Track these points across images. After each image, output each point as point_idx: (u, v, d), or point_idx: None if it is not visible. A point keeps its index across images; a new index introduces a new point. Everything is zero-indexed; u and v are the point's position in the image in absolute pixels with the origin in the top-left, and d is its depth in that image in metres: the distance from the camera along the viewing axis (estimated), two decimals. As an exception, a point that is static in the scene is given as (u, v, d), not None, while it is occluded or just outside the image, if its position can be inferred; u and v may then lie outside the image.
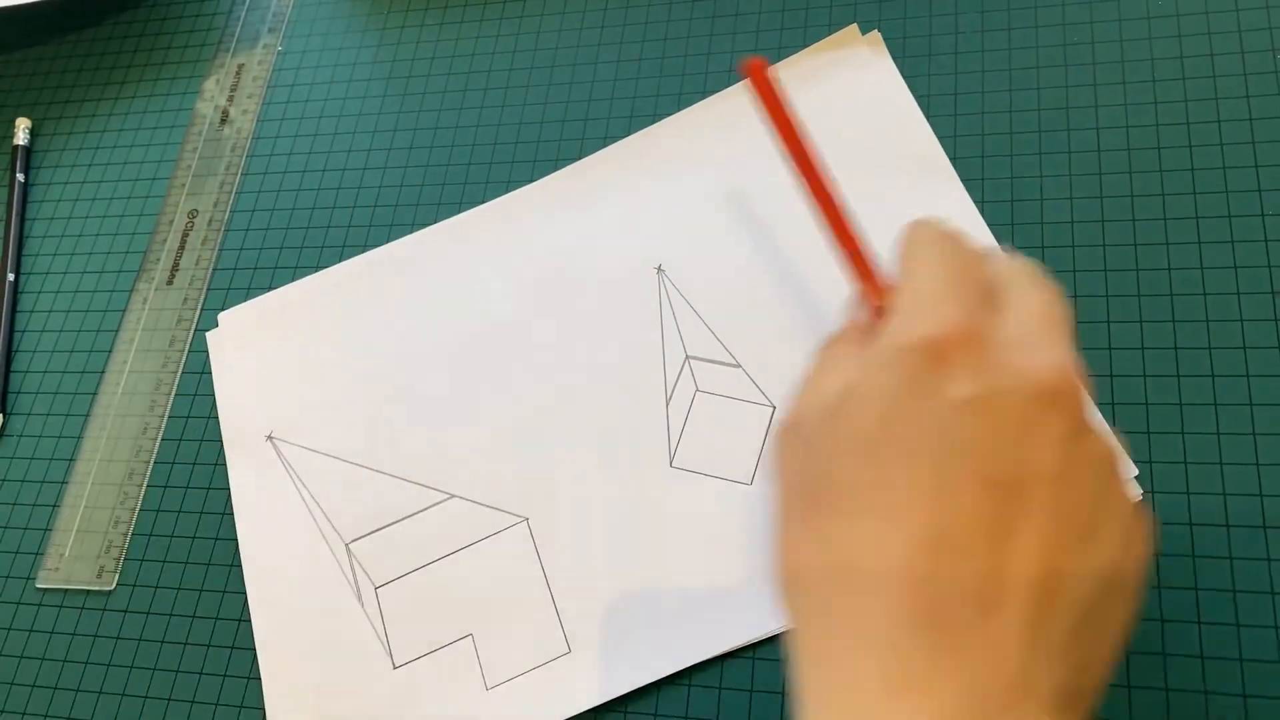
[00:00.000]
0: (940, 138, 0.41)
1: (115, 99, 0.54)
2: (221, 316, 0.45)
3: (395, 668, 0.37)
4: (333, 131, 0.49)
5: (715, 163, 0.43)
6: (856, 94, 0.42)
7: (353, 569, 0.39)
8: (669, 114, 0.45)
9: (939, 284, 0.26)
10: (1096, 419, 0.33)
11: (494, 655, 0.37)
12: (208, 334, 0.45)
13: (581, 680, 0.36)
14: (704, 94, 0.45)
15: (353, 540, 0.40)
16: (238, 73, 0.53)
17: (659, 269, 0.41)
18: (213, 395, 0.44)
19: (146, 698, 0.39)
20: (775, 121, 0.29)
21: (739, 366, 0.39)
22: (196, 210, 0.49)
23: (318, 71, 0.51)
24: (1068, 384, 0.24)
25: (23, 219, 0.52)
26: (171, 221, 0.49)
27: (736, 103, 0.43)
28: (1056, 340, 0.25)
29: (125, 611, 0.41)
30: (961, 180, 0.40)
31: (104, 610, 0.41)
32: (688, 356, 0.39)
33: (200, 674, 0.39)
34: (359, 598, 0.39)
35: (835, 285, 0.35)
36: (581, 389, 0.40)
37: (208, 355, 0.45)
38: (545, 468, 0.39)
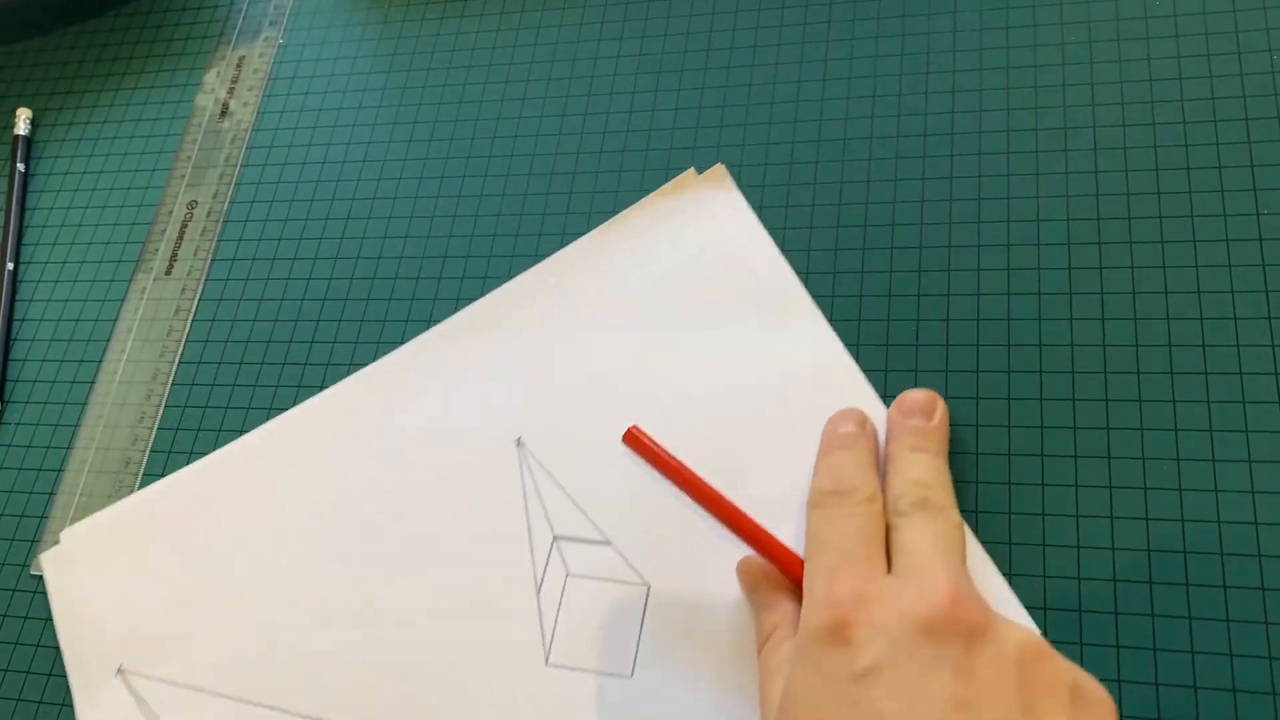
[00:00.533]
0: (795, 258, 0.40)
1: (116, 90, 0.54)
2: (64, 534, 0.42)
3: None
4: (332, 124, 0.50)
5: (574, 319, 0.41)
6: (710, 230, 0.41)
7: None
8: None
9: (835, 556, 0.29)
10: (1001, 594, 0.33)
11: None
12: (43, 555, 0.42)
13: None
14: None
15: None
16: (239, 65, 0.53)
17: (519, 442, 0.39)
18: (210, 385, 0.44)
19: (140, 685, 0.39)
20: (663, 469, 0.33)
21: (609, 544, 0.36)
22: (196, 201, 0.49)
23: (318, 65, 0.52)
24: (947, 608, 0.26)
25: (23, 209, 0.52)
26: (171, 212, 0.50)
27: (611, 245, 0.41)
28: (939, 568, 0.27)
29: (120, 599, 0.41)
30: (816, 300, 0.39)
31: (99, 598, 0.41)
32: (555, 537, 0.37)
33: (194, 662, 0.39)
34: None
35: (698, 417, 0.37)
36: (450, 588, 0.37)
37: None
38: (420, 682, 0.36)
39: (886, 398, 0.37)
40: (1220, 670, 0.31)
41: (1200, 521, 0.33)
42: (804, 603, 0.29)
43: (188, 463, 0.43)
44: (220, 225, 0.48)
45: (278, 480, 0.41)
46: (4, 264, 0.50)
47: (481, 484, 0.38)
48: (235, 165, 0.50)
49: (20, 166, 0.53)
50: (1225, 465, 0.34)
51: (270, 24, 0.54)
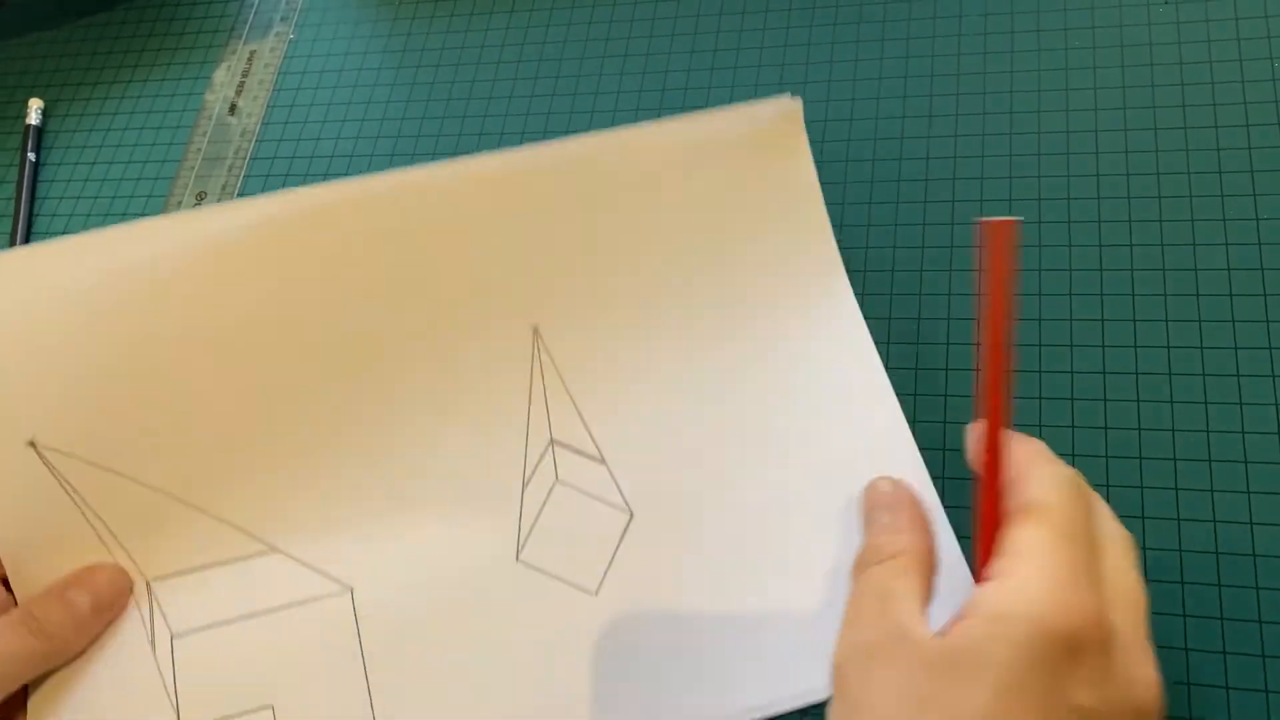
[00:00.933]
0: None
1: (128, 82, 0.55)
2: None
3: None
4: (341, 119, 0.50)
5: (642, 213, 0.37)
6: (765, 164, 0.37)
7: (151, 610, 0.34)
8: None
9: (1077, 573, 0.25)
10: None
11: None
12: None
13: None
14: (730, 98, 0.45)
15: (155, 578, 0.35)
16: (249, 60, 0.53)
17: (535, 330, 0.36)
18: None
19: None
20: (997, 285, 0.27)
21: (603, 463, 0.35)
22: (204, 193, 0.50)
23: (328, 60, 0.52)
24: (1160, 706, 0.25)
25: (33, 197, 0.52)
26: (180, 203, 0.50)
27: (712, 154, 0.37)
28: (1150, 650, 0.26)
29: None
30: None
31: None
32: (553, 440, 0.36)
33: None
34: (152, 644, 0.34)
35: (725, 395, 0.35)
36: (438, 455, 0.35)
37: None
38: (383, 536, 0.35)
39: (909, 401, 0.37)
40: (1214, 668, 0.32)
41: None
42: (1039, 589, 0.25)
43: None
44: (228, 216, 0.49)
45: (268, 268, 0.35)
46: (13, 252, 0.50)
47: (491, 356, 0.36)
48: (245, 158, 0.50)
49: (31, 155, 0.53)
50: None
51: (281, 20, 0.54)
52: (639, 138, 0.36)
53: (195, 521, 0.35)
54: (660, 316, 0.36)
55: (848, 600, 0.28)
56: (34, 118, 0.54)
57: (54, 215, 0.52)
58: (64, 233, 0.51)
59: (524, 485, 0.35)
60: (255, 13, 0.55)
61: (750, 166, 0.37)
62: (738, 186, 0.37)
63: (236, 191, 0.49)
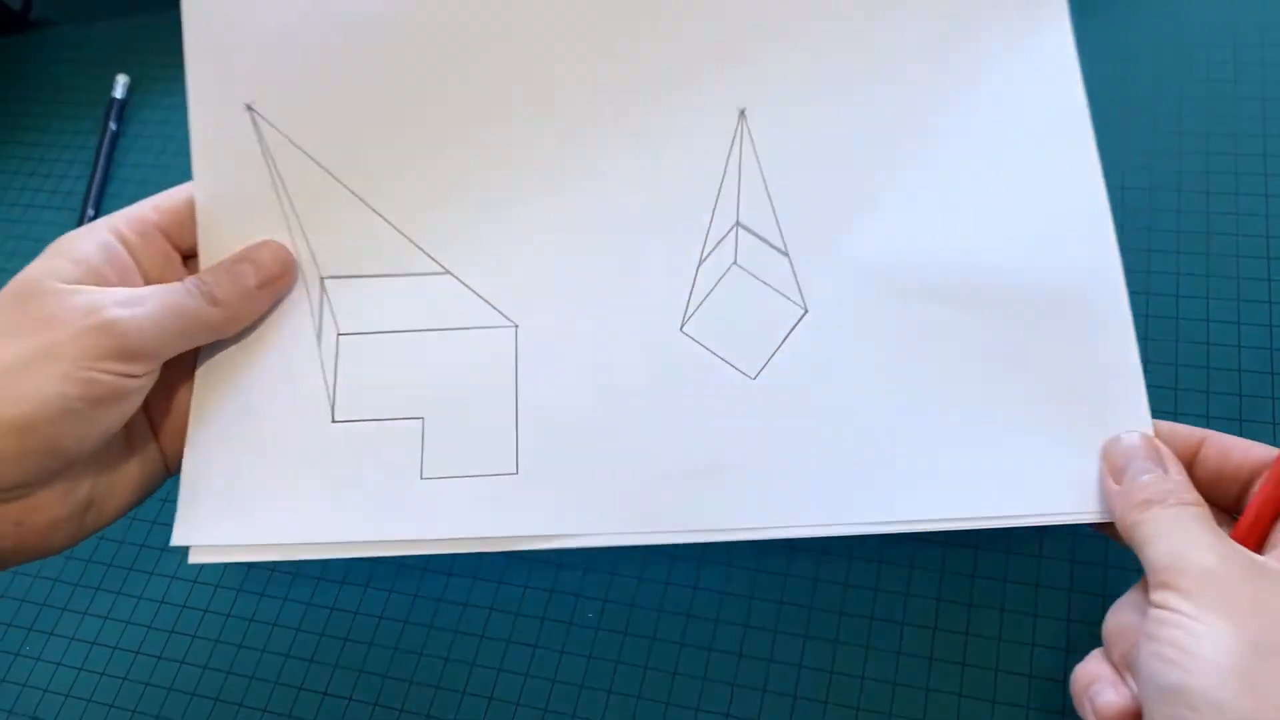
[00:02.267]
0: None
1: (211, 68, 0.58)
2: None
3: (334, 421, 0.35)
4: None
5: (884, 39, 0.37)
6: (1013, 20, 0.36)
7: (321, 305, 0.35)
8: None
9: None
10: None
11: (439, 447, 0.34)
12: None
13: (518, 507, 0.34)
14: None
15: (329, 276, 0.36)
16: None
17: (742, 113, 0.36)
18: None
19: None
20: None
21: (786, 255, 0.36)
22: (273, 173, 0.52)
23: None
24: None
25: (109, 164, 0.55)
26: (248, 180, 0.52)
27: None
28: None
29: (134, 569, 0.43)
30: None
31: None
32: (738, 223, 0.36)
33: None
34: (318, 337, 0.35)
35: (924, 196, 0.35)
36: (621, 214, 0.36)
37: None
38: (555, 280, 0.35)
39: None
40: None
41: None
42: None
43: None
44: (293, 196, 0.51)
45: (505, 28, 0.36)
46: (86, 210, 0.53)
47: (694, 130, 0.36)
48: (314, 145, 0.53)
49: (112, 125, 0.56)
50: None
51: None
52: None
53: (379, 230, 0.36)
54: (871, 118, 0.36)
55: (1162, 525, 0.30)
56: (119, 91, 0.57)
57: (126, 182, 0.54)
58: (135, 197, 0.53)
59: (700, 260, 0.35)
60: None
61: (996, 17, 0.36)
62: (979, 26, 0.36)
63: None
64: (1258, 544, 0.30)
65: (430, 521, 0.33)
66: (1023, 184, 0.35)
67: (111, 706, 0.39)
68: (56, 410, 0.29)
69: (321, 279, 0.36)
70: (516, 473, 0.34)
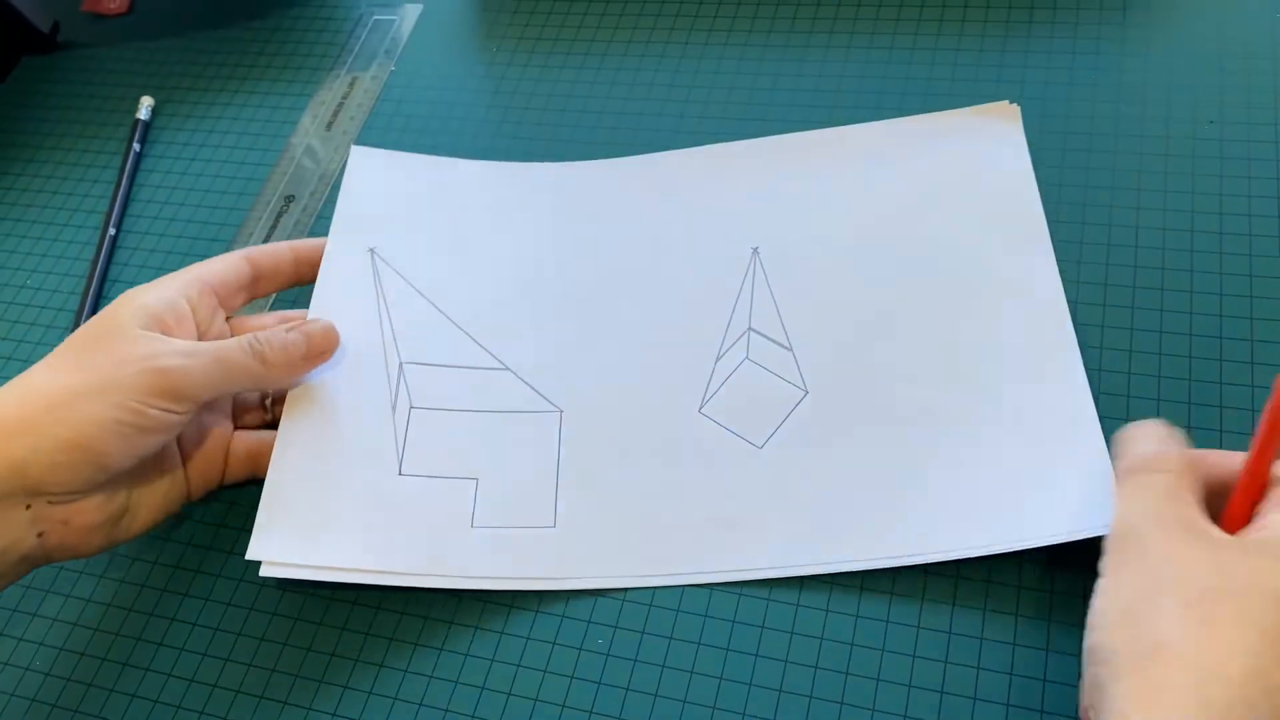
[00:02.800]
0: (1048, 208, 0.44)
1: (235, 92, 0.59)
2: (358, 149, 0.51)
3: (400, 474, 0.41)
4: (431, 148, 0.53)
5: (862, 183, 0.47)
6: (980, 153, 0.46)
7: (399, 383, 0.43)
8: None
9: None
10: None
11: (489, 502, 0.40)
12: (354, 146, 0.51)
13: (554, 555, 0.39)
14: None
15: (408, 361, 0.44)
16: (351, 85, 0.57)
17: (755, 250, 0.45)
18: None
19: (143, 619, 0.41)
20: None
21: (790, 350, 0.43)
22: (293, 196, 0.53)
23: (425, 92, 0.56)
24: None
25: (131, 184, 0.56)
26: (269, 203, 0.53)
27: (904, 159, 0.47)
28: None
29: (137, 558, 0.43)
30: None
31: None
32: (750, 328, 0.43)
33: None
34: (393, 407, 0.42)
35: (915, 318, 0.42)
36: (652, 324, 0.44)
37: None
38: (594, 376, 0.43)
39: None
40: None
41: None
42: None
43: (251, 425, 0.45)
44: (314, 220, 0.52)
45: (565, 196, 0.49)
46: (107, 229, 0.53)
47: (715, 262, 0.45)
48: (335, 170, 0.54)
49: (136, 146, 0.57)
50: None
51: (385, 53, 0.58)
52: (865, 130, 0.48)
53: (449, 332, 0.45)
54: (867, 253, 0.44)
55: (1123, 490, 0.32)
56: (144, 113, 0.58)
57: (148, 203, 0.55)
58: (156, 219, 0.54)
59: (718, 356, 0.43)
60: (362, 44, 0.59)
61: (965, 151, 0.46)
62: (951, 161, 0.46)
63: (325, 199, 0.52)
64: (1238, 527, 0.31)
65: (477, 561, 0.39)
66: (989, 287, 0.42)
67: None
68: (110, 433, 0.35)
69: (401, 363, 0.44)
70: (554, 525, 0.40)
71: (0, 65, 0.63)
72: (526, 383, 0.43)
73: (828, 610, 0.37)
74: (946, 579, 0.37)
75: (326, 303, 0.45)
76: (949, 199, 0.45)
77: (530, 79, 0.55)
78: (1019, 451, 0.38)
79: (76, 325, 0.50)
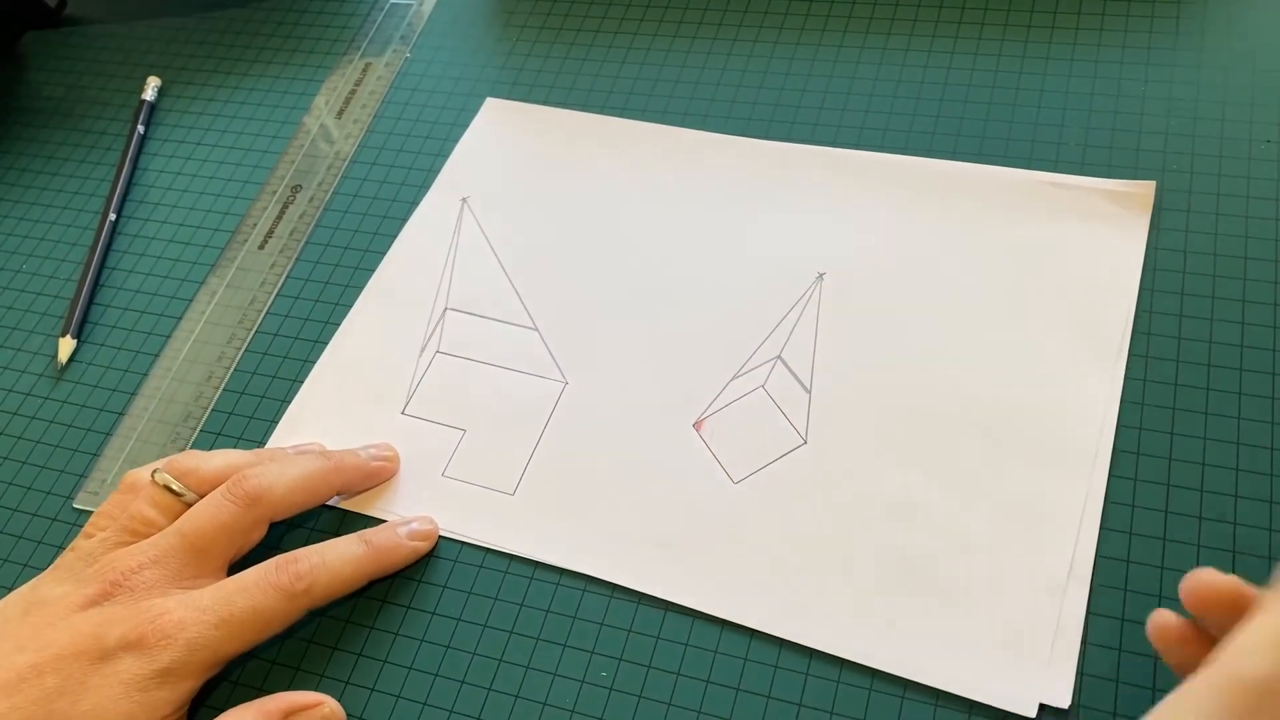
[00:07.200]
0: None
1: (244, 75, 0.57)
2: (493, 100, 0.52)
3: (402, 413, 0.43)
4: (444, 138, 0.51)
5: (929, 227, 0.44)
6: (1092, 234, 0.42)
7: (437, 327, 0.45)
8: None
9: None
10: None
11: (464, 456, 0.41)
12: (489, 98, 0.52)
13: (506, 522, 0.40)
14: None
15: (451, 308, 0.45)
16: (364, 70, 0.55)
17: (820, 276, 0.43)
18: (283, 358, 0.45)
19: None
20: None
21: (809, 393, 0.40)
22: (300, 185, 0.51)
23: (440, 81, 0.54)
24: None
25: (134, 167, 0.54)
26: (275, 192, 0.51)
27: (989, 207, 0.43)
28: None
29: (155, 546, 0.41)
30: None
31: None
32: (779, 357, 0.41)
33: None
34: (422, 349, 0.45)
35: (956, 391, 0.39)
36: (687, 322, 0.43)
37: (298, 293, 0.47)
38: (607, 355, 0.43)
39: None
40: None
41: None
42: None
43: (247, 427, 0.43)
44: (320, 212, 0.50)
45: (655, 170, 0.48)
46: (107, 213, 0.51)
47: (776, 283, 0.43)
48: (345, 160, 0.52)
49: (140, 128, 0.55)
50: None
51: (400, 39, 0.56)
52: (985, 174, 0.44)
53: (503, 287, 0.46)
54: (930, 317, 0.41)
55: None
56: (150, 94, 0.56)
57: (151, 186, 0.53)
58: (159, 203, 0.52)
59: (734, 375, 0.41)
60: (377, 28, 0.57)
61: (1080, 238, 0.42)
62: (1060, 243, 0.42)
63: (333, 189, 0.50)
64: None
65: (436, 510, 0.40)
66: (1034, 410, 0.38)
67: None
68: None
69: (446, 309, 0.45)
70: (513, 494, 0.40)
71: (4, 38, 0.61)
72: (547, 347, 0.43)
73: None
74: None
75: (406, 245, 0.48)
76: (1041, 292, 0.41)
77: (550, 70, 0.53)
78: (995, 609, 0.35)
79: (71, 313, 0.48)
